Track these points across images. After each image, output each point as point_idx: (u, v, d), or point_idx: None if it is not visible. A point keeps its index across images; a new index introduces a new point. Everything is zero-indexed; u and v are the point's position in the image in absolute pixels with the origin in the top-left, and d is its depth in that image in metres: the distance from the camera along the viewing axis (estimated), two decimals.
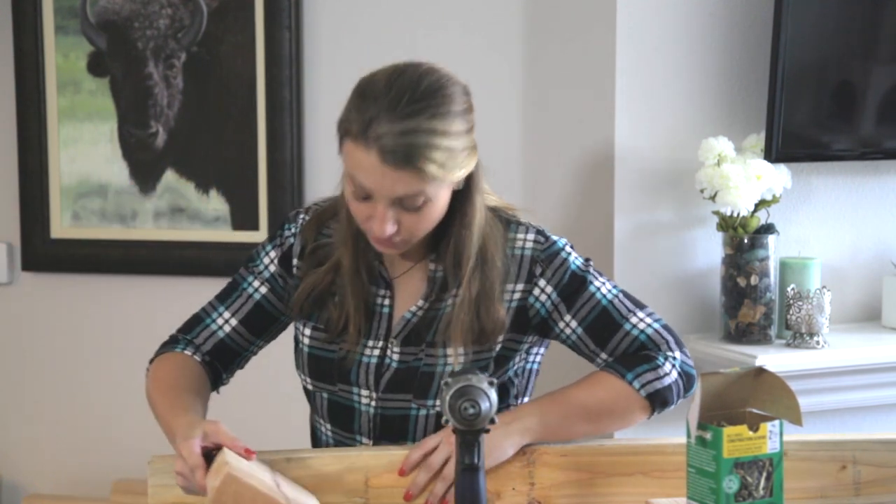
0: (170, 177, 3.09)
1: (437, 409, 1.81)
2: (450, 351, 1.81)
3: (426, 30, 2.92)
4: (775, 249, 2.70)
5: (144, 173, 3.11)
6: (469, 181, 1.79)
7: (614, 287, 1.88)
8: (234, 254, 3.05)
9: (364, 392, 1.85)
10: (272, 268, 1.94)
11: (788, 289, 2.68)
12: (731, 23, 2.75)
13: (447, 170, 1.71)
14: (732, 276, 2.68)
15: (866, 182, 2.90)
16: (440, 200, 1.75)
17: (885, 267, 2.90)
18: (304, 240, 1.91)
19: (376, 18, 2.99)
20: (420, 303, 1.84)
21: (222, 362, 1.94)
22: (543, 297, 1.84)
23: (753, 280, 2.66)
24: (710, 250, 2.77)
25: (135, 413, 3.15)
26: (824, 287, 2.69)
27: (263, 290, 1.94)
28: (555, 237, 1.88)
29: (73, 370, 3.22)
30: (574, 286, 1.84)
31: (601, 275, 1.88)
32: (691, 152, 2.69)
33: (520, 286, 1.84)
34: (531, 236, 1.85)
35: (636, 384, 1.80)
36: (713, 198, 2.63)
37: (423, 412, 1.83)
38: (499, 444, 1.72)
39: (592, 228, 2.77)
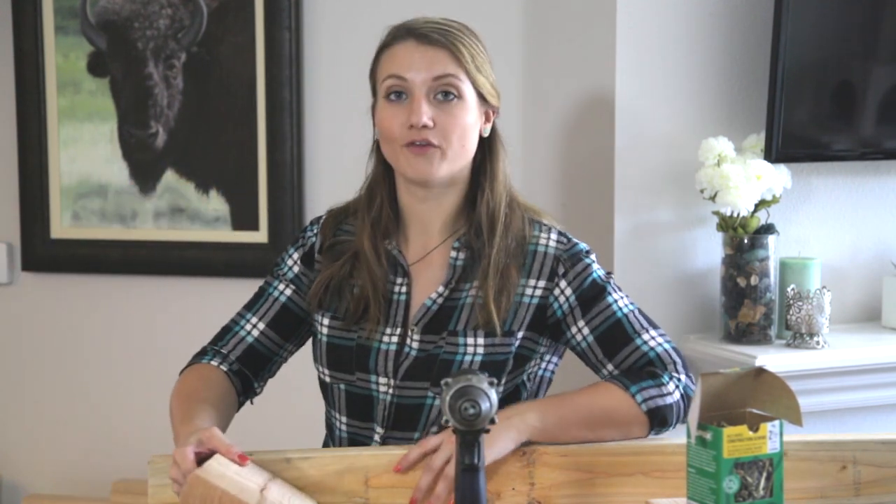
0: (170, 177, 3.09)
1: None
2: (470, 340, 1.83)
3: None
4: (775, 249, 2.69)
5: (144, 173, 3.11)
6: (493, 134, 1.92)
7: (631, 303, 1.90)
8: (234, 254, 3.06)
9: (382, 380, 1.86)
10: (295, 269, 1.96)
11: (788, 289, 2.67)
12: (731, 23, 2.75)
13: (477, 66, 1.85)
14: (732, 277, 2.67)
15: (866, 182, 2.90)
16: (470, 110, 1.84)
17: (885, 267, 2.90)
18: (324, 236, 1.95)
19: (376, 18, 2.97)
20: (440, 289, 1.86)
21: (252, 369, 1.95)
22: (562, 299, 1.87)
23: (753, 280, 2.66)
24: (710, 250, 2.77)
25: (135, 413, 3.17)
26: (824, 287, 2.68)
27: (288, 291, 1.96)
28: (576, 240, 1.91)
29: (73, 370, 3.22)
30: (593, 293, 1.87)
31: (620, 289, 1.91)
32: (691, 152, 2.69)
33: (542, 283, 1.86)
34: (554, 236, 1.89)
35: (638, 398, 1.80)
36: (713, 198, 2.63)
37: (438, 402, 1.83)
38: (499, 438, 1.72)
39: (592, 228, 2.77)
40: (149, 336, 3.17)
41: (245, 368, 1.94)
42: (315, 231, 1.97)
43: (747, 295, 2.66)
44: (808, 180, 2.84)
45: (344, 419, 1.91)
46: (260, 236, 3.04)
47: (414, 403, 1.85)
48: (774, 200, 2.68)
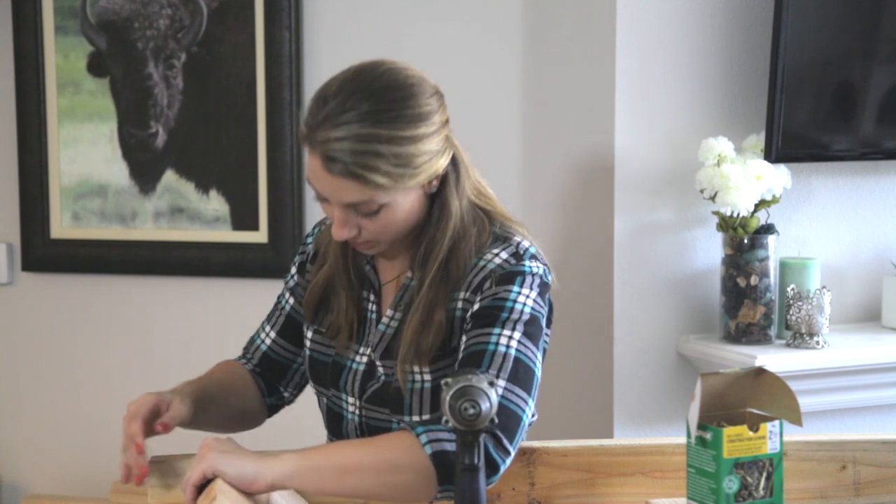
0: (170, 177, 3.09)
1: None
2: (416, 367, 1.76)
3: (426, 31, 2.92)
4: (775, 249, 2.69)
5: (144, 173, 3.11)
6: (444, 183, 1.74)
7: (518, 350, 1.69)
8: (234, 254, 3.06)
9: (350, 399, 1.84)
10: (296, 277, 1.96)
11: (788, 289, 2.68)
12: (731, 23, 2.75)
13: (396, 178, 1.66)
14: (732, 277, 2.67)
15: (866, 182, 2.90)
16: (402, 204, 1.70)
17: (885, 267, 2.90)
18: (318, 244, 1.93)
19: (376, 18, 2.99)
20: (389, 312, 1.82)
21: (273, 375, 1.96)
22: (469, 311, 1.75)
23: (753, 280, 2.66)
24: (710, 250, 2.77)
25: None
26: (824, 287, 2.69)
27: (291, 301, 1.96)
28: (531, 266, 1.75)
29: (73, 370, 3.22)
30: (487, 316, 1.71)
31: (528, 335, 1.70)
32: (691, 152, 2.69)
33: (468, 295, 1.76)
34: (504, 255, 1.75)
35: (423, 438, 1.59)
36: (713, 198, 2.63)
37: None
38: (248, 456, 1.59)
39: (592, 229, 2.77)
40: (149, 336, 3.17)
41: (267, 374, 1.96)
42: (312, 238, 1.96)
43: (747, 295, 2.66)
44: (808, 180, 2.84)
45: (328, 432, 1.92)
46: (260, 236, 3.04)
47: (380, 427, 1.80)
48: (774, 200, 2.68)
